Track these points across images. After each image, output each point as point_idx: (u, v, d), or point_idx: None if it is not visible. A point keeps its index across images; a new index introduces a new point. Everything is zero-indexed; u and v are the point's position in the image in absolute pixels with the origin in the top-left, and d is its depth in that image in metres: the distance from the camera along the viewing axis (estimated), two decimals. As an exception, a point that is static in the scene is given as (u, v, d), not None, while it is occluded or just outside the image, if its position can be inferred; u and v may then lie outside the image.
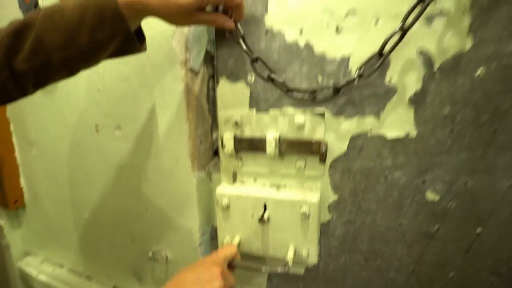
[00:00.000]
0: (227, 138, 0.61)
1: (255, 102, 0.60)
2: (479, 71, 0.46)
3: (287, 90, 0.53)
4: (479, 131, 0.47)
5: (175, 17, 0.46)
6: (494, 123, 0.47)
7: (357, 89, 0.51)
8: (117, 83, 0.78)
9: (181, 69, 0.66)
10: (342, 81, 0.50)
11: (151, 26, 0.68)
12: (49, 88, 0.91)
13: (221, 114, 0.65)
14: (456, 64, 0.47)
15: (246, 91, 0.60)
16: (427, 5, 0.42)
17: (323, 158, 0.43)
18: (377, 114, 0.50)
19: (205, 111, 0.72)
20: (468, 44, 0.46)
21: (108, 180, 0.89)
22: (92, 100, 0.84)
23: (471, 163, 0.48)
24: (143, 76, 0.73)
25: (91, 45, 0.44)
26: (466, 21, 0.45)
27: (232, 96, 0.63)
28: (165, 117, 0.72)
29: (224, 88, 0.63)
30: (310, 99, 0.52)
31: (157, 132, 0.75)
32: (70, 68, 0.47)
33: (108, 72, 0.78)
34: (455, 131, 0.48)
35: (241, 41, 0.52)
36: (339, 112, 0.52)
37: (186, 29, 0.65)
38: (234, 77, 0.62)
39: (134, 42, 0.47)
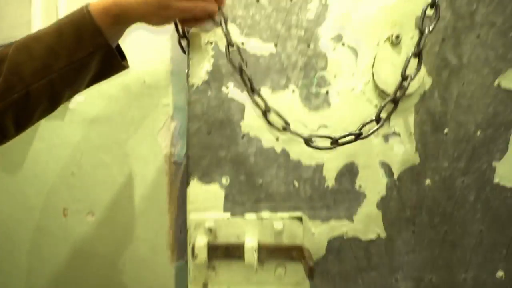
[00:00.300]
0: (200, 247, 0.54)
1: (230, 205, 0.58)
2: (428, 181, 0.56)
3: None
4: (434, 232, 0.56)
5: (154, 9, 0.43)
6: (444, 225, 0.56)
7: (331, 194, 0.57)
8: (95, 169, 0.77)
9: (166, 162, 0.69)
10: (317, 187, 0.56)
11: (137, 121, 0.71)
12: (12, 166, 0.86)
13: (192, 217, 0.58)
14: (410, 175, 0.56)
15: (221, 193, 0.59)
16: (381, 125, 0.52)
17: (311, 275, 0.45)
18: (350, 217, 0.56)
19: (185, 199, 0.73)
20: (417, 159, 0.56)
21: (72, 269, 0.81)
22: (63, 184, 0.81)
23: (432, 260, 0.55)
24: (124, 165, 0.73)
25: (71, 67, 0.41)
26: (413, 142, 0.56)
27: (205, 199, 0.59)
28: (146, 206, 0.72)
29: (196, 189, 0.60)
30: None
31: (135, 220, 0.73)
32: (51, 97, 0.43)
33: (86, 157, 0.77)
34: (416, 232, 0.56)
35: (223, 24, 0.50)
36: (316, 216, 0.57)
37: (172, 126, 0.69)
38: (207, 178, 0.59)
39: (114, 58, 0.45)
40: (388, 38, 0.56)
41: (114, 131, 0.72)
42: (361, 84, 0.58)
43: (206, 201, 0.59)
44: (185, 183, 0.71)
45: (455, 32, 0.57)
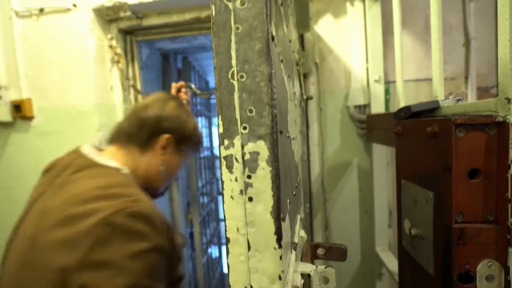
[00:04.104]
0: None
1: None
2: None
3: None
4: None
5: None
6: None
7: None
8: (50, 163, 1.21)
9: (95, 157, 1.16)
10: None
11: (76, 133, 1.17)
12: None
13: None
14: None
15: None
16: None
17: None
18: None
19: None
20: None
21: None
22: (30, 172, 1.24)
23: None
24: (69, 159, 1.19)
25: None
26: None
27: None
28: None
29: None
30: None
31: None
32: None
33: (44, 155, 1.22)
34: None
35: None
36: None
37: (98, 135, 1.16)
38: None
39: None
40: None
41: (62, 139, 1.18)
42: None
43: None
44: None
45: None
